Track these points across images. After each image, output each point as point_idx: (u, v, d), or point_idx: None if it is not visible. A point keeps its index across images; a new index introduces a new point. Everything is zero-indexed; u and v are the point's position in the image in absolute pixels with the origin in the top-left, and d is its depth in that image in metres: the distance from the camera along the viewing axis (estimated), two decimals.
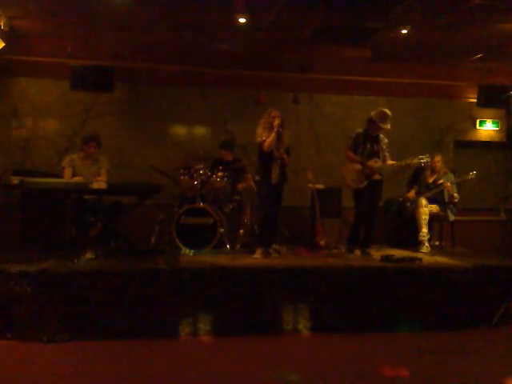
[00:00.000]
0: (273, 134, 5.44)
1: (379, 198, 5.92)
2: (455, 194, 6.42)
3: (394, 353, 4.26)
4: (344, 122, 8.11)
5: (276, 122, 5.45)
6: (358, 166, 5.75)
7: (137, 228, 6.31)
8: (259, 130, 5.59)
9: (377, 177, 5.74)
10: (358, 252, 5.83)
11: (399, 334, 4.65)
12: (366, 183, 5.73)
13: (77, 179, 5.60)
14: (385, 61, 7.95)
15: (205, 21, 6.58)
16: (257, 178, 5.66)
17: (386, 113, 5.66)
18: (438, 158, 6.62)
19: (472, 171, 6.44)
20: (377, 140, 5.81)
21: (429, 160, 5.61)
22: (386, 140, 5.89)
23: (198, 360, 4.00)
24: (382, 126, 5.66)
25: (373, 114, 5.70)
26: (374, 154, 5.76)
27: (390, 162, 5.80)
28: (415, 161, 5.55)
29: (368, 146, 5.77)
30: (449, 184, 6.38)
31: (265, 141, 5.46)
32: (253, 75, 7.89)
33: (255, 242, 5.79)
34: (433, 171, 6.65)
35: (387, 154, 5.83)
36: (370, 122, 5.73)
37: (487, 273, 5.02)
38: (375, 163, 5.72)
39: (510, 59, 7.75)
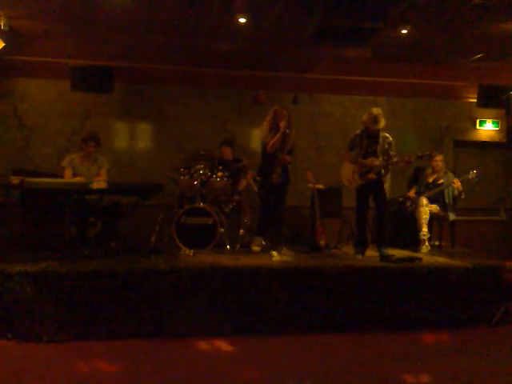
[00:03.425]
0: (278, 136, 5.38)
1: (382, 198, 5.75)
2: (463, 192, 6.46)
3: (394, 352, 4.26)
4: (344, 121, 8.11)
5: (282, 124, 5.39)
6: (353, 166, 5.74)
7: (137, 228, 6.31)
8: (265, 131, 5.52)
9: (372, 176, 5.62)
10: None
11: (399, 334, 4.65)
12: (360, 183, 5.70)
13: (78, 179, 5.59)
14: (385, 61, 7.96)
15: (205, 21, 6.58)
16: (257, 178, 5.65)
17: (372, 113, 5.58)
18: (439, 158, 6.61)
19: (472, 170, 6.45)
20: (376, 140, 5.69)
21: (433, 155, 5.91)
22: (390, 139, 5.71)
23: (198, 360, 4.01)
24: (373, 127, 5.61)
25: (364, 117, 5.67)
26: (371, 153, 5.68)
27: (394, 159, 5.68)
28: (413, 158, 5.65)
29: (364, 146, 5.71)
30: (459, 183, 6.39)
31: (268, 143, 5.42)
32: (253, 75, 7.89)
33: (254, 235, 5.82)
34: (433, 171, 6.65)
35: (391, 153, 5.66)
36: (363, 124, 5.71)
37: (487, 273, 5.03)
38: (371, 162, 5.65)
39: (510, 59, 7.75)
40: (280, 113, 5.48)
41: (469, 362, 4.06)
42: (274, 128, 5.45)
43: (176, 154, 7.40)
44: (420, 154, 5.75)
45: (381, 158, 5.65)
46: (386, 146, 5.69)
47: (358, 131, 5.83)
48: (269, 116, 5.54)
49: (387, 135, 5.75)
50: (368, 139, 5.72)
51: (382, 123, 5.61)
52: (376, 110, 5.61)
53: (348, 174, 5.81)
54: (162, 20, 6.63)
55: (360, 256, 5.73)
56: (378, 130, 5.68)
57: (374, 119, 5.58)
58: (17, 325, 4.28)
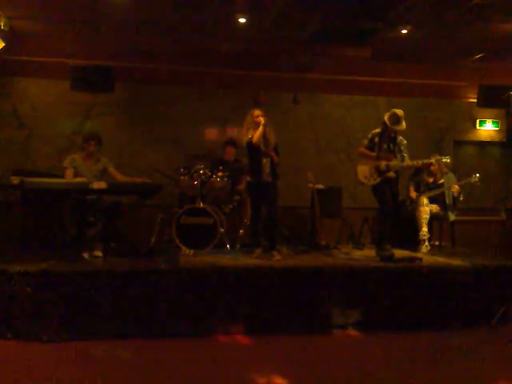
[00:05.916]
0: (260, 128, 5.46)
1: (396, 196, 5.85)
2: (461, 194, 6.47)
3: (394, 353, 4.26)
4: (344, 122, 8.11)
5: (260, 119, 5.50)
6: (372, 164, 5.76)
7: (137, 228, 6.31)
8: (244, 131, 5.62)
9: (391, 174, 5.69)
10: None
11: (399, 334, 4.65)
12: (379, 180, 5.72)
13: (79, 180, 5.58)
14: (385, 61, 7.95)
15: (205, 21, 6.58)
16: (248, 178, 5.66)
17: (397, 114, 5.63)
18: (433, 160, 6.57)
19: (475, 174, 6.42)
20: (394, 141, 5.78)
21: (448, 161, 5.85)
22: (405, 142, 5.86)
23: (199, 360, 4.01)
24: (394, 127, 5.65)
25: (385, 116, 5.70)
26: (390, 153, 5.74)
27: (407, 161, 5.79)
28: (433, 160, 5.87)
29: (384, 146, 5.75)
30: (457, 187, 6.40)
31: (252, 137, 5.48)
32: (253, 75, 7.88)
33: (254, 243, 5.79)
34: (429, 173, 6.62)
35: (406, 155, 5.80)
36: (384, 124, 5.73)
37: (487, 273, 5.03)
38: (390, 161, 5.72)
39: (510, 59, 7.75)
40: (257, 113, 5.58)
41: (468, 362, 4.06)
42: (253, 127, 5.53)
43: (176, 154, 7.40)
44: (438, 156, 5.93)
45: (399, 159, 5.74)
46: (402, 148, 5.81)
47: (377, 130, 5.85)
48: (246, 120, 5.66)
49: (402, 138, 5.86)
50: (387, 139, 5.78)
51: (403, 125, 5.67)
52: (400, 112, 5.67)
53: (366, 171, 5.80)
54: (162, 20, 6.63)
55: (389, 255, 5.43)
56: (397, 132, 5.74)
57: (397, 120, 5.64)
58: (17, 325, 4.28)
